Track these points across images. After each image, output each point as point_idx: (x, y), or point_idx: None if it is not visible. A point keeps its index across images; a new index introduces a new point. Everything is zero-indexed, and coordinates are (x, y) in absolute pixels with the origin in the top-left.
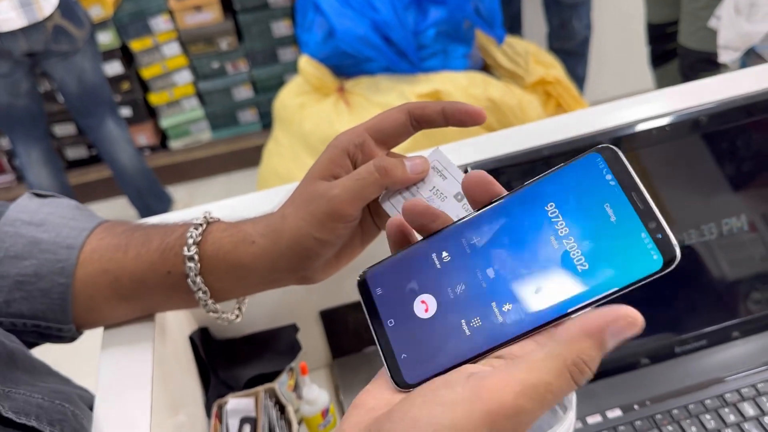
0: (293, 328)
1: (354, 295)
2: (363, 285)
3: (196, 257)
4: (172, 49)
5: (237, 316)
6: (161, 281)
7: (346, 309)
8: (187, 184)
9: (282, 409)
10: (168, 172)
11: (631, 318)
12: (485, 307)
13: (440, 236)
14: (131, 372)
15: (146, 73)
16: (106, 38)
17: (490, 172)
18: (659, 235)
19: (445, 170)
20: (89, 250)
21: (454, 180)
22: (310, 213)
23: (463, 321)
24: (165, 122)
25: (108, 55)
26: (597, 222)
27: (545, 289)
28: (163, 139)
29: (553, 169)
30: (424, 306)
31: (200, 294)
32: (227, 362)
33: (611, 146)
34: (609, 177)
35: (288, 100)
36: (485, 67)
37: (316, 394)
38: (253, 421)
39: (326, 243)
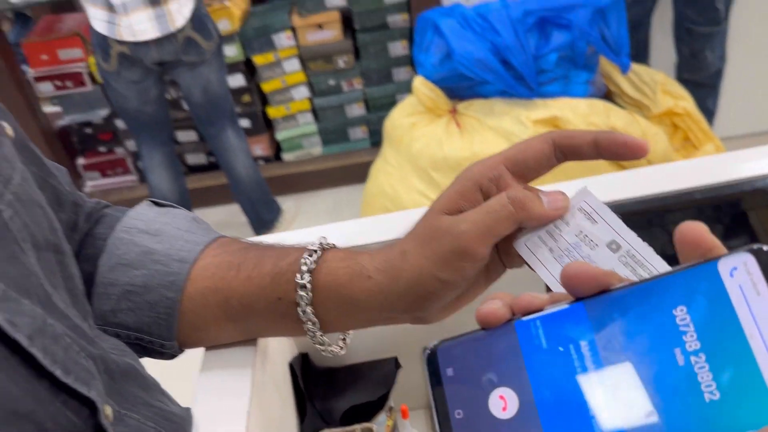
0: (394, 363)
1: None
2: (432, 360)
3: (309, 286)
4: (293, 65)
5: (341, 348)
6: (271, 307)
7: None
8: (296, 196)
9: None
10: (279, 183)
11: None
12: (581, 421)
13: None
14: (228, 401)
15: (266, 87)
16: (232, 51)
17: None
18: None
19: (595, 213)
20: (202, 266)
21: (606, 225)
22: (433, 251)
23: None
24: (280, 135)
25: (232, 67)
26: (740, 343)
27: (660, 413)
28: (277, 150)
29: (688, 264)
30: (502, 403)
31: (309, 325)
32: (325, 392)
33: None
34: (763, 288)
35: (399, 119)
36: (608, 95)
37: None
38: None
39: (450, 284)
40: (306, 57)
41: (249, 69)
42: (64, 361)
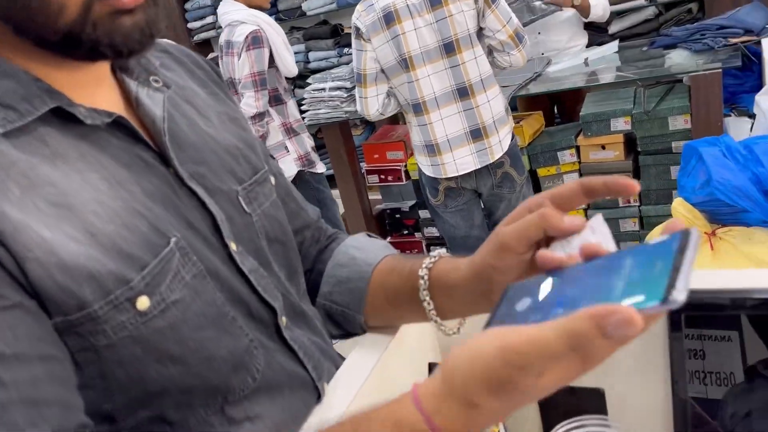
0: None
1: None
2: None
3: (426, 277)
4: (572, 179)
5: (454, 333)
6: (408, 294)
7: None
8: None
9: None
10: None
11: (626, 316)
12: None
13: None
14: (358, 368)
15: None
16: None
17: None
18: None
19: (597, 229)
20: (378, 269)
21: (599, 237)
22: (489, 247)
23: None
24: None
25: None
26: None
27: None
28: None
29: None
30: (523, 305)
31: (425, 304)
32: None
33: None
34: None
35: (656, 235)
36: None
37: None
38: None
39: (498, 270)
40: (585, 172)
41: (533, 179)
42: (264, 285)
